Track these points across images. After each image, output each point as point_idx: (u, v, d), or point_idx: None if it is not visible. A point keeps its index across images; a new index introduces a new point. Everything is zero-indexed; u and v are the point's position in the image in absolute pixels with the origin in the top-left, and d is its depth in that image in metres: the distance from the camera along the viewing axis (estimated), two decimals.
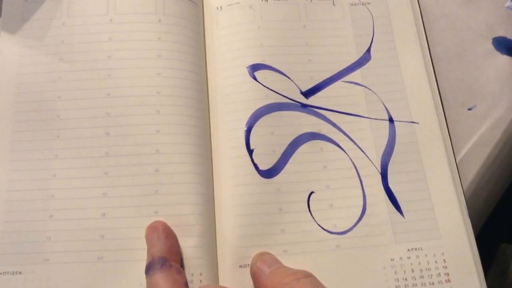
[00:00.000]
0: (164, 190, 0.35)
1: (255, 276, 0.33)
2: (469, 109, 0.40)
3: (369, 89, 0.40)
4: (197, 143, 0.36)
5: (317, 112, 0.39)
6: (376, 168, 0.37)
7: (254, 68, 0.39)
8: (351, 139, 0.38)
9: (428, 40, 0.42)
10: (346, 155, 0.38)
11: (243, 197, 0.36)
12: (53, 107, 0.37)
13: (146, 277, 0.31)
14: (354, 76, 0.40)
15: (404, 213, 0.36)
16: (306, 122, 0.38)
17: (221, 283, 0.34)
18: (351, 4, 0.42)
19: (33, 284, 0.33)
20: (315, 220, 0.36)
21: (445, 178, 0.37)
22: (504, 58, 0.42)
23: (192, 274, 0.33)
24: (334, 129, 0.38)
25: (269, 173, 0.37)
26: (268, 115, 0.38)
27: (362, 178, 0.37)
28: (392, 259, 0.35)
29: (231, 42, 0.40)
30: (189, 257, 0.33)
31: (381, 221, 0.36)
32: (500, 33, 0.43)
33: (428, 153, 0.38)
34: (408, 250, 0.35)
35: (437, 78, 0.41)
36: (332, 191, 0.37)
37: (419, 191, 0.37)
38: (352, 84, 0.40)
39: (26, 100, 0.37)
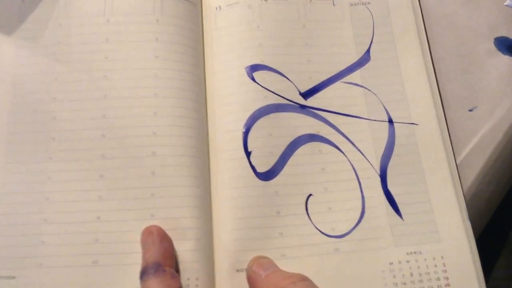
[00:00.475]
0: (160, 193, 0.34)
1: (250, 280, 0.32)
2: (470, 110, 0.40)
3: (369, 90, 0.39)
4: (194, 145, 0.36)
5: (316, 114, 0.38)
6: (375, 170, 0.37)
7: (253, 68, 0.39)
8: (350, 140, 0.38)
9: (429, 39, 0.41)
10: (345, 157, 0.37)
11: (240, 200, 0.35)
12: (48, 108, 0.36)
13: (140, 283, 0.31)
14: (353, 77, 0.40)
15: (403, 216, 0.36)
16: (304, 124, 0.38)
17: (217, 287, 0.34)
18: (351, 4, 0.42)
19: None
20: (313, 223, 0.35)
21: (445, 181, 0.37)
22: (506, 58, 0.41)
23: (188, 279, 0.33)
24: (333, 131, 0.38)
25: (267, 176, 0.36)
26: (266, 116, 0.38)
27: (361, 181, 0.37)
28: (391, 263, 0.35)
29: (229, 43, 0.40)
30: (185, 261, 0.33)
31: (380, 224, 0.35)
32: (502, 33, 0.42)
33: (428, 155, 0.37)
34: (407, 253, 0.35)
35: (438, 78, 0.40)
36: (331, 194, 0.36)
37: (419, 194, 0.36)
38: (352, 85, 0.39)
39: (22, 101, 0.37)
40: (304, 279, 0.31)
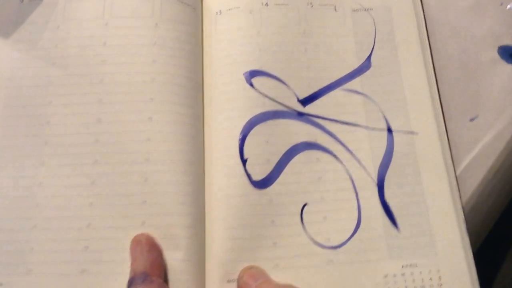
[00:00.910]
0: (153, 200, 0.34)
1: None
2: (471, 119, 0.39)
3: (369, 97, 0.39)
4: (189, 151, 0.36)
5: (314, 121, 0.38)
6: (373, 180, 0.36)
7: (252, 74, 0.38)
8: (348, 149, 0.37)
9: (431, 47, 0.41)
10: (342, 166, 0.37)
11: (235, 208, 0.35)
12: (43, 112, 0.36)
13: None
14: (353, 84, 0.39)
15: (399, 227, 0.35)
16: (302, 131, 0.37)
17: None
18: (353, 10, 0.41)
19: None
20: (308, 233, 0.35)
21: (443, 192, 0.36)
22: (509, 67, 0.41)
23: None
24: (331, 139, 0.37)
25: (262, 184, 0.36)
26: (264, 123, 0.37)
27: (357, 190, 0.36)
28: (386, 276, 0.34)
29: (229, 48, 0.39)
30: (175, 270, 0.33)
31: (376, 235, 0.35)
32: (506, 41, 0.41)
33: (427, 165, 0.37)
34: (403, 266, 0.34)
35: (439, 86, 0.40)
36: (327, 203, 0.36)
37: (416, 205, 0.36)
38: (351, 93, 0.39)
39: (16, 104, 0.37)
40: None
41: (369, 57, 0.40)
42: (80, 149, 0.35)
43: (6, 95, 0.37)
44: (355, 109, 0.38)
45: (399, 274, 0.34)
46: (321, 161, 0.37)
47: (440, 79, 0.40)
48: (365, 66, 0.39)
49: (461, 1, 0.43)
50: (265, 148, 0.37)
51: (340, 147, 0.37)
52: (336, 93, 0.39)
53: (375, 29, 0.40)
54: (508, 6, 0.43)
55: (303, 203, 0.36)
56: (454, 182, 0.37)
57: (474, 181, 0.38)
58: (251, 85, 0.38)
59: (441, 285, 0.34)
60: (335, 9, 0.41)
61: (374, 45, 0.40)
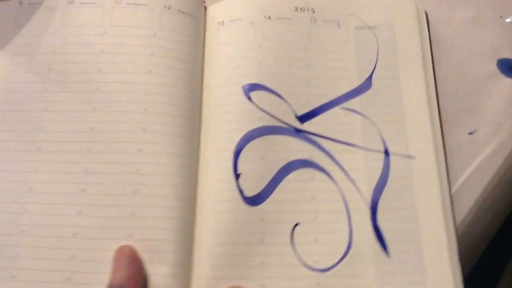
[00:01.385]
0: (141, 213, 0.34)
1: None
2: (470, 133, 0.39)
3: (368, 118, 0.38)
4: (181, 164, 0.35)
5: (311, 139, 0.37)
6: (366, 203, 0.36)
7: (250, 88, 0.38)
8: (343, 169, 0.37)
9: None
10: (337, 186, 0.36)
11: (225, 224, 0.35)
12: (38, 118, 0.36)
13: None
14: (353, 103, 0.38)
15: (390, 253, 0.35)
16: (298, 148, 0.37)
17: None
18: (357, 28, 0.40)
19: None
20: (297, 254, 0.34)
21: (437, 220, 0.35)
22: (509, 81, 0.40)
23: None
24: (327, 158, 0.37)
25: (254, 201, 0.35)
26: (260, 138, 0.37)
27: (350, 213, 0.36)
28: None
29: (229, 59, 0.39)
30: (159, 285, 0.32)
31: (366, 260, 0.34)
32: (505, 54, 0.41)
33: (422, 191, 0.36)
34: None
35: (439, 99, 0.39)
36: (318, 224, 0.35)
37: (409, 232, 0.35)
38: (350, 112, 0.38)
39: (11, 109, 0.36)
40: None
41: (370, 77, 0.39)
42: (72, 157, 0.35)
43: (2, 99, 0.37)
44: (353, 129, 0.38)
45: None
46: (315, 180, 0.36)
47: (439, 91, 0.40)
48: (366, 85, 0.39)
49: (460, 13, 0.42)
50: (259, 163, 0.36)
51: (335, 166, 0.37)
52: (335, 111, 0.38)
53: (378, 48, 0.40)
54: (508, 19, 0.42)
55: (295, 223, 0.35)
56: (449, 209, 0.36)
57: (472, 195, 0.37)
58: (249, 98, 0.37)
59: None
60: (338, 26, 0.40)
61: (376, 65, 0.39)
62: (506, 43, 0.41)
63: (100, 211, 0.34)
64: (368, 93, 0.39)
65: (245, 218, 0.35)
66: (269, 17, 0.39)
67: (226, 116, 0.37)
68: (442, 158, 0.37)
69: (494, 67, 0.41)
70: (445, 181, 0.37)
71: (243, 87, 0.38)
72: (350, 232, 0.35)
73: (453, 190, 0.37)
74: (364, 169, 0.37)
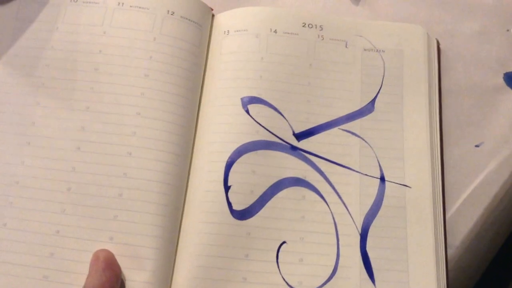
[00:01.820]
0: (124, 217, 0.33)
1: None
2: (477, 145, 0.38)
3: (366, 142, 0.37)
4: (170, 171, 0.35)
5: (306, 157, 0.37)
6: (357, 228, 0.35)
7: (249, 101, 0.37)
8: (336, 192, 0.36)
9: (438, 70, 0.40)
10: (328, 208, 0.35)
11: (210, 236, 0.34)
12: (30, 112, 0.35)
13: None
14: (352, 125, 0.38)
15: (376, 282, 0.34)
16: (292, 166, 0.36)
17: None
18: (365, 49, 0.40)
19: None
20: (281, 273, 0.34)
21: (427, 252, 0.34)
22: None
23: None
24: (321, 178, 0.36)
25: (242, 215, 0.35)
26: (254, 152, 0.36)
27: (339, 237, 0.35)
28: None
29: (230, 70, 0.38)
30: None
31: (350, 286, 0.33)
32: None
33: (415, 221, 0.35)
34: None
35: (444, 111, 0.39)
36: (305, 245, 0.34)
37: (397, 262, 0.34)
38: (349, 134, 0.37)
39: (4, 101, 0.36)
40: None
41: (373, 100, 0.38)
42: (61, 155, 0.35)
43: None
44: (350, 151, 0.37)
45: None
46: (306, 199, 0.36)
47: (445, 104, 0.39)
48: (368, 109, 0.38)
49: (467, 27, 0.42)
50: (251, 178, 0.35)
51: (328, 188, 0.36)
52: (334, 132, 0.37)
53: (384, 72, 0.39)
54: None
55: (282, 241, 0.34)
56: (442, 242, 0.35)
57: (477, 209, 0.37)
58: (247, 111, 0.37)
59: None
60: (346, 46, 0.40)
61: (380, 89, 0.39)
62: None
63: (84, 211, 0.33)
64: (369, 116, 0.38)
65: (231, 231, 0.34)
66: (275, 31, 0.39)
67: (221, 127, 0.37)
68: (439, 189, 0.36)
69: (500, 80, 0.40)
70: (440, 213, 0.36)
71: (242, 99, 0.37)
72: (337, 256, 0.34)
73: (459, 203, 0.37)
74: (358, 193, 0.36)
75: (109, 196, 0.34)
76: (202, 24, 0.39)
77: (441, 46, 0.41)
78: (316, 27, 0.40)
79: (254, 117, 0.37)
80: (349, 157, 0.37)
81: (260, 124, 0.37)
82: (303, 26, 0.39)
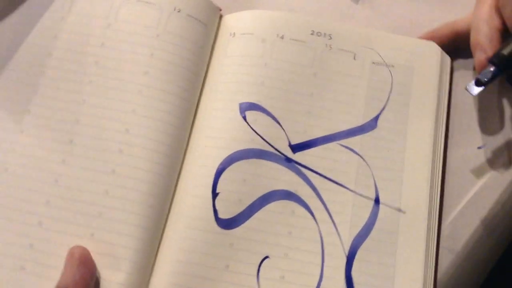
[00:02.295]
0: (108, 214, 0.33)
1: None
2: (479, 147, 0.37)
3: (364, 160, 0.36)
4: (160, 172, 0.34)
5: (300, 171, 0.35)
6: (344, 250, 0.34)
7: (247, 107, 0.36)
8: (327, 209, 0.35)
9: None
10: (317, 226, 0.34)
11: (192, 242, 0.33)
12: (27, 98, 0.35)
13: None
14: (352, 141, 0.36)
15: None
16: (285, 178, 0.35)
17: None
18: (373, 63, 0.38)
19: None
20: None
21: (416, 283, 0.33)
22: None
23: None
24: (313, 194, 0.35)
25: (227, 224, 0.34)
26: (247, 160, 0.35)
27: (325, 257, 0.33)
28: None
29: (232, 73, 0.37)
30: None
31: None
32: None
33: (406, 249, 0.33)
34: None
35: (446, 153, 0.37)
36: (289, 262, 0.33)
37: None
38: (348, 150, 0.36)
39: (1, 85, 0.36)
40: None
41: (376, 117, 0.37)
42: (52, 146, 0.34)
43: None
44: (347, 168, 0.35)
45: None
46: (295, 214, 0.34)
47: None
48: (370, 125, 0.36)
49: None
50: (240, 186, 0.34)
51: (320, 205, 0.35)
52: (332, 146, 0.36)
53: (391, 89, 0.37)
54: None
55: (265, 255, 0.33)
56: (431, 272, 0.33)
57: (481, 212, 0.35)
58: (244, 118, 0.36)
59: None
60: (354, 58, 0.38)
61: (385, 105, 0.37)
62: None
63: (68, 205, 0.33)
64: (370, 134, 0.36)
65: (214, 240, 0.33)
66: (282, 37, 0.38)
67: (216, 131, 0.36)
68: (436, 217, 0.35)
69: (504, 82, 0.39)
70: (434, 242, 0.34)
71: (240, 104, 0.36)
72: (321, 277, 0.33)
73: (460, 206, 0.36)
74: (349, 213, 0.34)
75: (95, 192, 0.33)
76: (209, 24, 0.38)
77: None
78: (325, 36, 0.38)
79: (250, 124, 0.36)
80: (345, 174, 0.35)
81: (256, 132, 0.36)
82: (311, 34, 0.38)
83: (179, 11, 0.37)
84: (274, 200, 0.35)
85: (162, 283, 0.33)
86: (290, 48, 0.38)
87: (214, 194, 0.34)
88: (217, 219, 0.34)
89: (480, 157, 0.37)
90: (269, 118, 0.36)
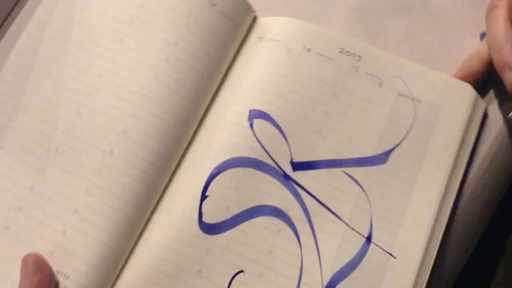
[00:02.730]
0: (84, 212, 0.33)
1: None
2: None
3: (366, 194, 0.33)
4: (151, 172, 0.33)
5: (296, 190, 0.34)
6: (322, 282, 0.32)
7: (257, 114, 0.35)
8: (314, 236, 0.33)
9: None
10: (300, 251, 0.33)
11: (171, 240, 0.32)
12: (21, 89, 0.35)
13: None
14: (358, 171, 0.34)
15: None
16: (278, 195, 0.34)
17: None
18: (399, 94, 0.35)
19: None
20: None
21: None
22: None
23: None
24: (304, 217, 0.33)
25: (209, 228, 0.33)
26: (243, 168, 0.34)
27: (300, 285, 0.32)
28: None
29: (250, 78, 0.36)
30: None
31: None
32: None
33: None
34: None
35: (456, 209, 0.34)
36: (263, 282, 0.32)
37: None
38: (350, 180, 0.34)
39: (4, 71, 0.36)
40: None
41: (389, 152, 0.34)
42: (47, 132, 0.34)
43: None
44: (345, 198, 0.33)
45: None
46: (280, 234, 0.33)
47: None
48: (380, 159, 0.34)
49: None
50: (231, 194, 0.33)
51: (308, 229, 0.33)
52: (335, 172, 0.34)
53: (412, 125, 0.35)
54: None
55: (240, 269, 0.32)
56: None
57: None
58: (251, 125, 0.34)
59: None
60: (379, 85, 0.36)
61: (401, 141, 0.34)
62: None
63: (50, 193, 0.33)
64: (379, 167, 0.34)
65: (192, 242, 0.32)
66: (309, 49, 0.36)
67: (219, 133, 0.35)
68: (427, 271, 0.32)
69: None
70: None
71: (250, 111, 0.35)
72: None
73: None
74: (337, 245, 0.33)
75: (77, 188, 0.33)
76: (240, 23, 0.37)
77: None
78: (354, 56, 0.36)
79: (255, 132, 0.34)
80: (342, 204, 0.33)
81: (259, 142, 0.34)
82: (340, 51, 0.36)
83: (214, 5, 0.36)
84: (262, 215, 0.33)
85: (135, 275, 0.32)
86: (314, 62, 0.36)
87: (203, 196, 0.33)
88: (200, 221, 0.33)
89: None
90: (275, 130, 0.35)
